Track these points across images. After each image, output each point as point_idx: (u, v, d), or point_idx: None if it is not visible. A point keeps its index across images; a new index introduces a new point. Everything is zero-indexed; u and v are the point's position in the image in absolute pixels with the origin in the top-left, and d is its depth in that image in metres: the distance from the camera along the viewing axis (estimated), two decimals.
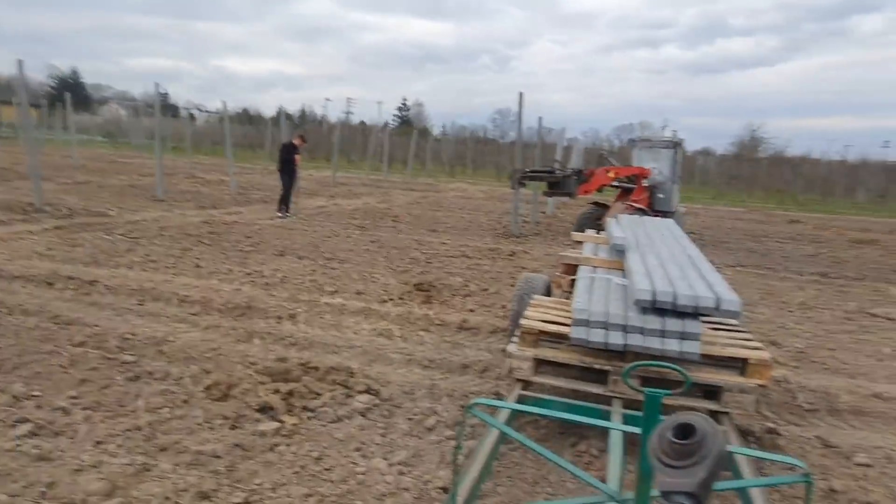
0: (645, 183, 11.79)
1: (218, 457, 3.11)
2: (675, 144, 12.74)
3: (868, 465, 3.46)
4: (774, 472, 3.22)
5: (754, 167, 36.61)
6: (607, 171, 11.53)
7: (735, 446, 3.06)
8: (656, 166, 12.37)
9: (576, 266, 4.79)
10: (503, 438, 3.02)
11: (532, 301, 4.34)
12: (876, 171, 33.97)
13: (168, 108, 66.16)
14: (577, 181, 11.21)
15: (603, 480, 2.23)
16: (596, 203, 12.17)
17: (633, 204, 11.39)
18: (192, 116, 63.22)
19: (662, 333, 3.33)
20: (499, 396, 4.07)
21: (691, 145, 55.85)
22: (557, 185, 11.49)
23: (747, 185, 33.50)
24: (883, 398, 4.51)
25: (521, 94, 12.41)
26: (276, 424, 3.44)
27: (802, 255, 11.89)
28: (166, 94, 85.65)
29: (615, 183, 11.85)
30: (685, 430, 1.13)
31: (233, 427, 3.42)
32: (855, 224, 19.72)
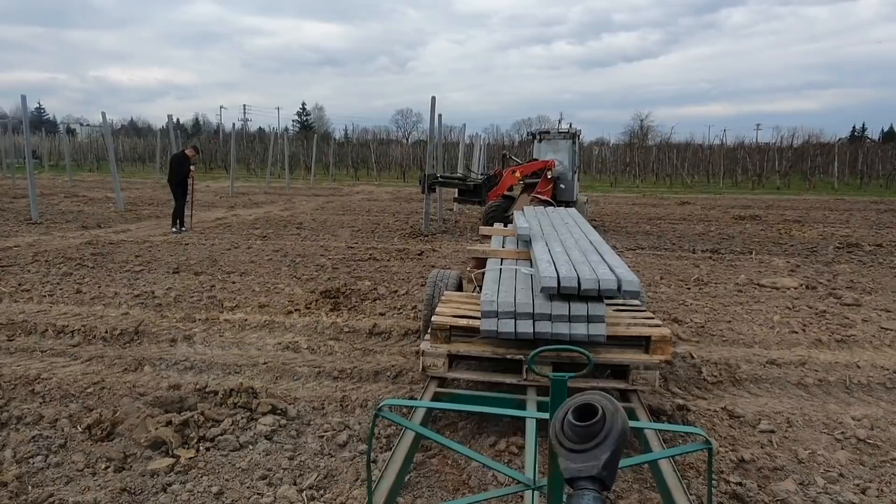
0: (550, 175, 12.04)
1: None
2: (573, 136, 13.11)
3: (772, 432, 3.60)
4: (682, 443, 3.28)
5: (645, 154, 38.66)
6: (513, 172, 11.68)
7: (638, 422, 3.09)
8: (557, 158, 12.68)
9: (486, 259, 4.74)
10: (418, 443, 2.88)
11: (443, 297, 4.24)
12: (751, 152, 36.76)
13: (44, 124, 61.01)
14: (487, 187, 11.28)
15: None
16: (502, 196, 12.29)
17: (538, 196, 11.61)
18: (71, 131, 58.75)
19: (570, 318, 3.34)
20: (414, 399, 3.91)
21: (587, 136, 58.55)
22: (468, 192, 11.50)
23: (640, 171, 35.35)
24: (777, 364, 4.75)
25: (433, 99, 12.29)
26: (169, 460, 3.11)
27: (694, 234, 12.56)
28: (40, 108, 79.30)
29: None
30: (586, 411, 1.03)
31: (119, 469, 3.06)
32: (737, 202, 21.18)
